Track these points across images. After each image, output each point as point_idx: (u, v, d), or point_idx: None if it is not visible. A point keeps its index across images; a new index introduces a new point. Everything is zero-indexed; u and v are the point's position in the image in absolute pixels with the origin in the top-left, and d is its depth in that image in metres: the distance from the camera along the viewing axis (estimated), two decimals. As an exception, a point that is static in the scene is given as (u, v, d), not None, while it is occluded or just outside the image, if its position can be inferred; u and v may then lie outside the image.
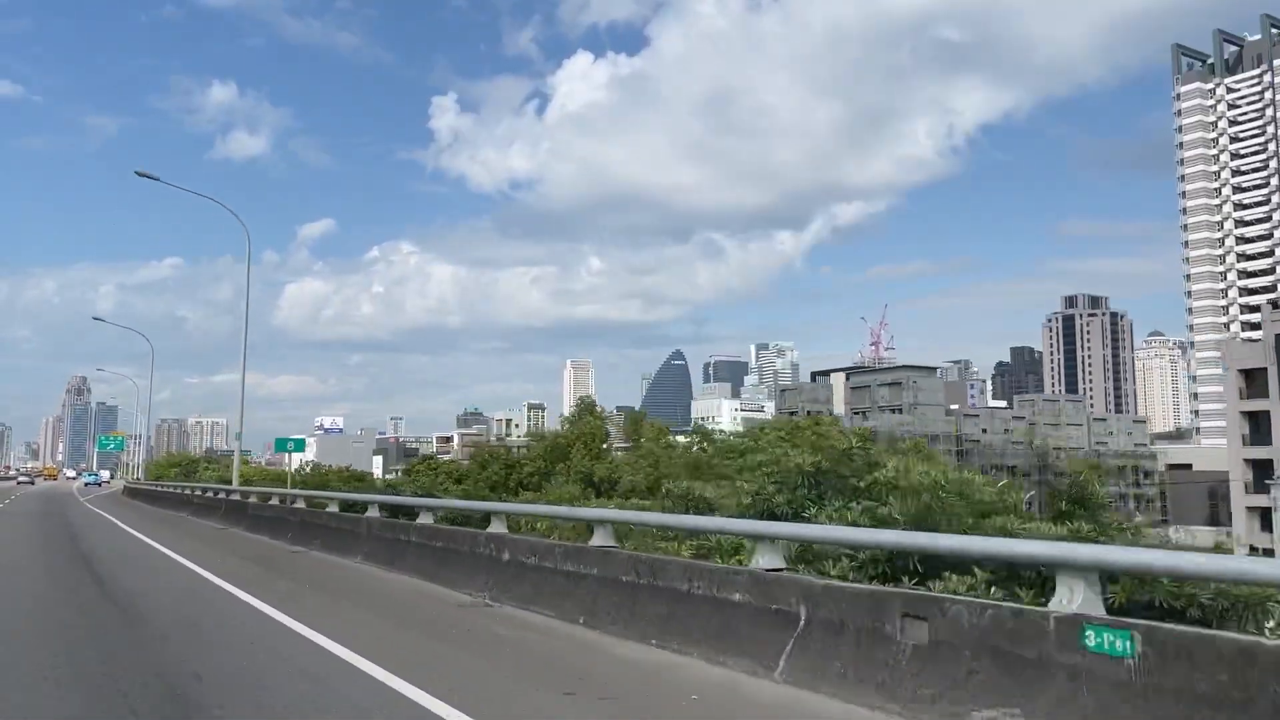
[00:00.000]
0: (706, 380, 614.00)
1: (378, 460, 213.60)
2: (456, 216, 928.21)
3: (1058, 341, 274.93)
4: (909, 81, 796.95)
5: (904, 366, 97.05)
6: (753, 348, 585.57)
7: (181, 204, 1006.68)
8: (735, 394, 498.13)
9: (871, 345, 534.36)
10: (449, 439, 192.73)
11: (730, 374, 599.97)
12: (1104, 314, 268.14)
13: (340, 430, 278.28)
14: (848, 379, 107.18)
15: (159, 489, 49.49)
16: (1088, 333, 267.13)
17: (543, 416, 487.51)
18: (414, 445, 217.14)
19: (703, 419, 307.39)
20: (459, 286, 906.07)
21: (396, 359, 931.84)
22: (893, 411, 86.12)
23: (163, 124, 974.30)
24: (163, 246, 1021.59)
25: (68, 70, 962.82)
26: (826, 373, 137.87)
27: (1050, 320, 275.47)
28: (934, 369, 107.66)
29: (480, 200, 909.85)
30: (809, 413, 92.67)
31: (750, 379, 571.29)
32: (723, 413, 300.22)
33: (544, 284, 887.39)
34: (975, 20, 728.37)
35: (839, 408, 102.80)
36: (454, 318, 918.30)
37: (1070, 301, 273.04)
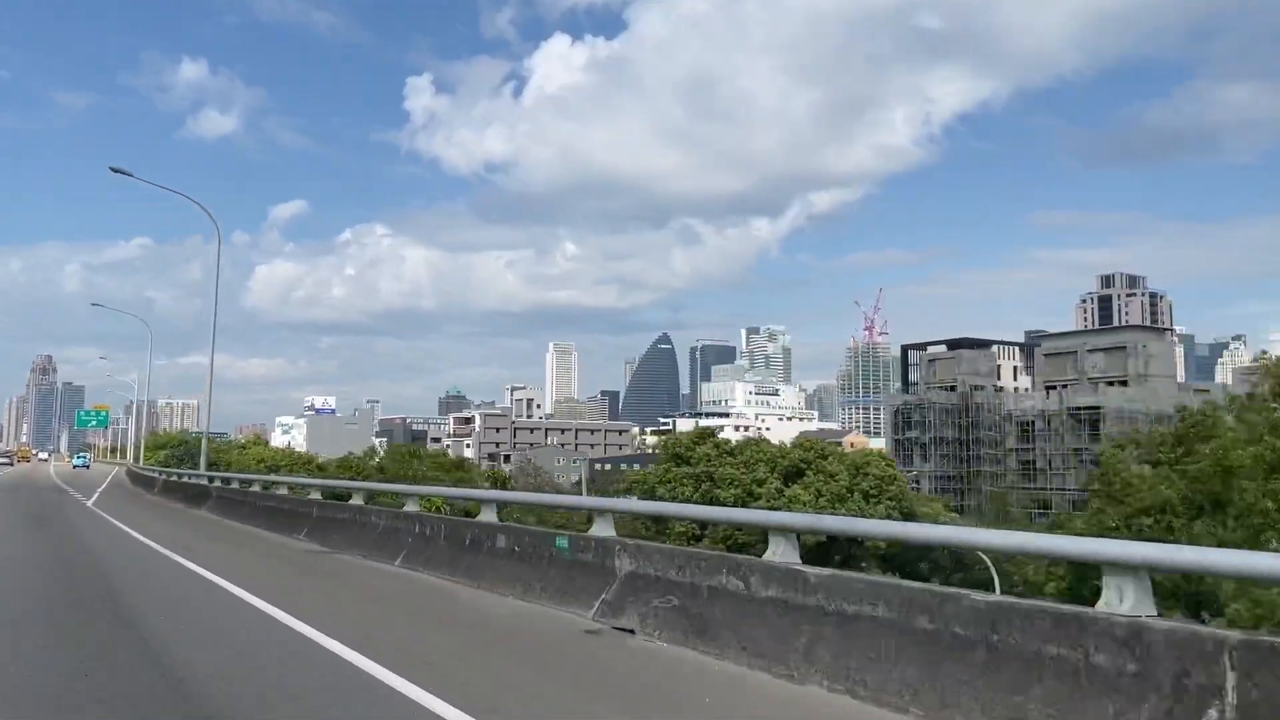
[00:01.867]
0: (694, 364, 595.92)
1: (381, 444, 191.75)
2: (431, 199, 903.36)
3: (1093, 322, 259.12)
4: (888, 69, 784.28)
5: (1131, 327, 78.06)
6: (743, 332, 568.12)
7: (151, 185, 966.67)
8: (715, 379, 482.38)
9: (865, 330, 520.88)
10: (469, 420, 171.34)
11: (717, 358, 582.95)
12: (1143, 294, 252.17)
13: (333, 411, 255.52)
14: (1030, 344, 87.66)
15: (232, 487, 27.68)
16: (1126, 313, 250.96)
17: (527, 401, 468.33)
18: (421, 428, 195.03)
19: (715, 401, 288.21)
20: (433, 270, 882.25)
21: (369, 342, 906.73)
22: (1109, 384, 66.89)
23: (133, 102, 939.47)
24: (131, 226, 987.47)
25: (36, 46, 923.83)
26: (921, 346, 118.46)
27: (1085, 301, 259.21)
28: (1164, 330, 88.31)
29: (455, 183, 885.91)
30: (972, 387, 73.26)
31: (740, 363, 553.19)
32: (736, 395, 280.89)
33: (519, 268, 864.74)
34: (955, 8, 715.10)
35: (1008, 379, 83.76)
36: (428, 301, 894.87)
37: (1106, 281, 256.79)
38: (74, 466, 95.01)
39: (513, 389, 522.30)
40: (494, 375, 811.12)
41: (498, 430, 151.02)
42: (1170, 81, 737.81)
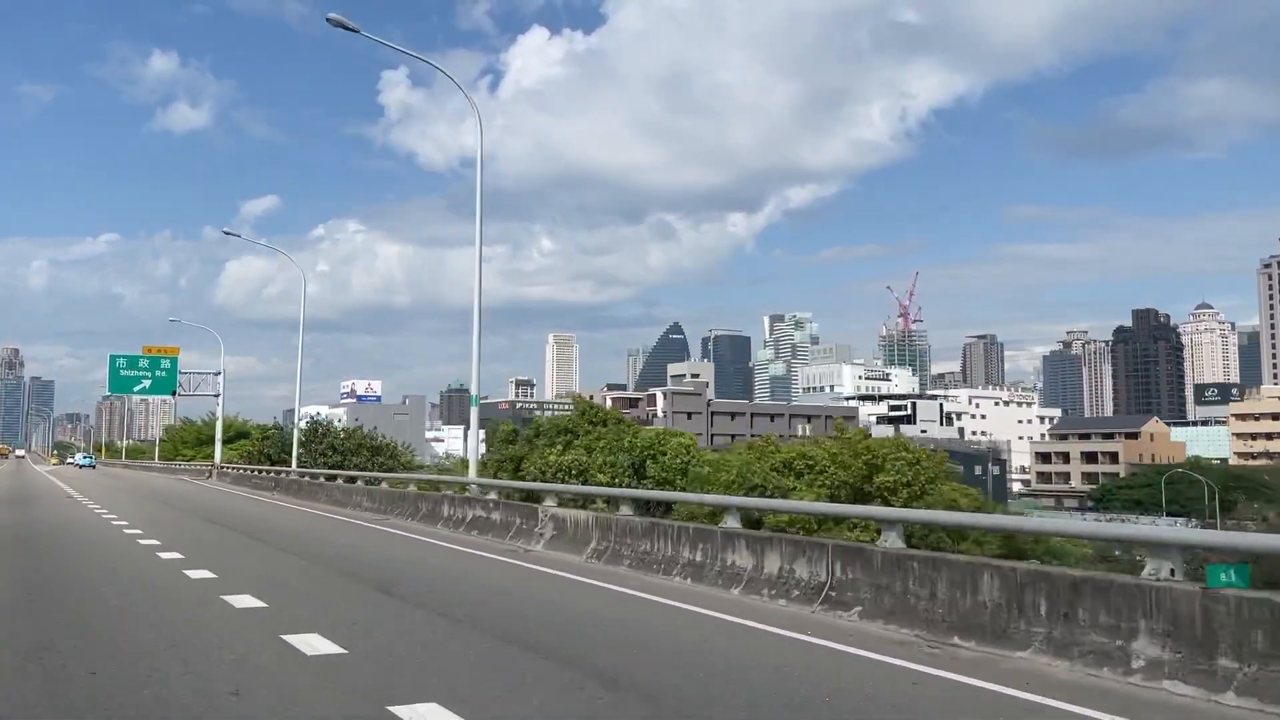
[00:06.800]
0: (705, 356, 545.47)
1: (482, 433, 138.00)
2: (406, 194, 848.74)
3: (1278, 291, 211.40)
4: (866, 63, 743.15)
5: None
6: (766, 320, 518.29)
7: (120, 178, 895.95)
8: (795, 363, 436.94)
9: (900, 317, 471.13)
10: (634, 401, 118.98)
11: (730, 348, 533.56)
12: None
13: (378, 399, 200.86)
14: None
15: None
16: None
17: (531, 392, 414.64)
18: (532, 412, 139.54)
19: (816, 389, 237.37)
20: (407, 266, 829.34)
21: (341, 339, 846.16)
22: None
23: (100, 93, 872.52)
24: (99, 222, 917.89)
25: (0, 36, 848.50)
26: None
27: (1269, 264, 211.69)
28: None
29: (430, 178, 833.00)
30: None
31: (764, 353, 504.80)
32: (844, 379, 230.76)
33: (494, 264, 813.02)
34: (933, 1, 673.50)
35: None
36: (401, 297, 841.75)
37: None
38: (80, 467, 75.71)
39: (517, 382, 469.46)
40: (459, 371, 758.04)
41: (689, 416, 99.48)
42: (1144, 77, 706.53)
